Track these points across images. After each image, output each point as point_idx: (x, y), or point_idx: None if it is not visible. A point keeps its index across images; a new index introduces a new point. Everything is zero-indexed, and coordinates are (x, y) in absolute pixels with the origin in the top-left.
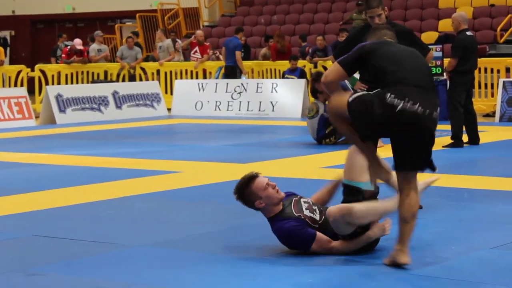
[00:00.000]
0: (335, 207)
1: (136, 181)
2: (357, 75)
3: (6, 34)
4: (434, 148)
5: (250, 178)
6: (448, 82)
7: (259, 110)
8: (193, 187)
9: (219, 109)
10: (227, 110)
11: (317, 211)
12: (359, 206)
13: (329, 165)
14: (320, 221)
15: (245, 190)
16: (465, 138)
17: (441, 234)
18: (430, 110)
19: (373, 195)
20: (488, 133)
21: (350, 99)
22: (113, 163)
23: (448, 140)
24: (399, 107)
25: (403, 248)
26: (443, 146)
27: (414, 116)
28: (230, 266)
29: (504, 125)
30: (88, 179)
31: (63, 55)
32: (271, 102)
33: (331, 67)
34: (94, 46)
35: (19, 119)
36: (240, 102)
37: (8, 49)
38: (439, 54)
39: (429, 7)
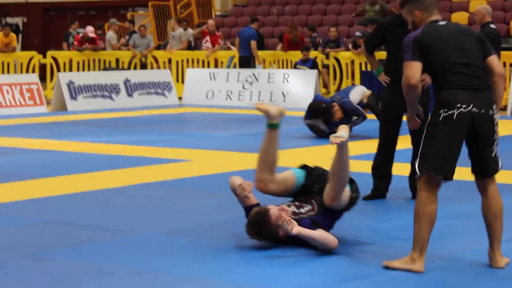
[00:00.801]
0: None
1: (147, 169)
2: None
3: (19, 20)
4: None
5: (265, 214)
6: None
7: (270, 100)
8: (203, 176)
9: (230, 99)
10: (238, 99)
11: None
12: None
13: None
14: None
15: (267, 224)
16: None
17: (454, 227)
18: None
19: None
20: (500, 127)
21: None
22: (123, 150)
23: None
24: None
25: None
26: None
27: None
28: (238, 255)
29: None
30: (98, 166)
31: (75, 43)
32: (283, 92)
33: (405, 70)
34: (112, 35)
35: (30, 105)
36: (252, 92)
37: (20, 35)
38: None
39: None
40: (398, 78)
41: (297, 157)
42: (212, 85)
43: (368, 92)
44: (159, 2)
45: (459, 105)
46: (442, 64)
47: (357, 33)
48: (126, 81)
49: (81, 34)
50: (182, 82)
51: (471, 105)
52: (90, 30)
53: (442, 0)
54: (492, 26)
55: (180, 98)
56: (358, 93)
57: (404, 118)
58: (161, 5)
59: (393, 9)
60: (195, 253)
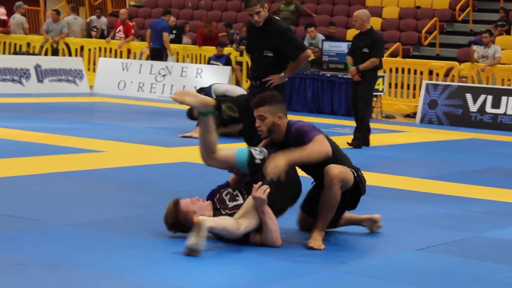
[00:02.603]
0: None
1: (59, 157)
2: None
3: None
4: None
5: (176, 203)
6: (357, 81)
7: None
8: (116, 168)
9: (142, 91)
10: (150, 92)
11: (239, 195)
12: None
13: None
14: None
15: (178, 215)
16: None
17: (367, 233)
18: None
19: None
20: (409, 134)
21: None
22: (32, 137)
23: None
24: None
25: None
26: (348, 144)
27: None
28: (146, 250)
29: (424, 126)
30: (6, 152)
31: None
32: (195, 87)
33: (318, 144)
34: (22, 18)
35: None
36: (164, 85)
37: None
38: None
39: (356, 4)
40: (251, 77)
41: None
42: (124, 75)
43: (239, 91)
44: None
45: None
46: None
47: None
48: (37, 67)
49: None
50: (94, 71)
51: None
52: (1, 12)
53: (355, 5)
54: (374, 30)
55: (91, 87)
56: (225, 86)
57: None
58: None
59: (308, 10)
60: (109, 247)
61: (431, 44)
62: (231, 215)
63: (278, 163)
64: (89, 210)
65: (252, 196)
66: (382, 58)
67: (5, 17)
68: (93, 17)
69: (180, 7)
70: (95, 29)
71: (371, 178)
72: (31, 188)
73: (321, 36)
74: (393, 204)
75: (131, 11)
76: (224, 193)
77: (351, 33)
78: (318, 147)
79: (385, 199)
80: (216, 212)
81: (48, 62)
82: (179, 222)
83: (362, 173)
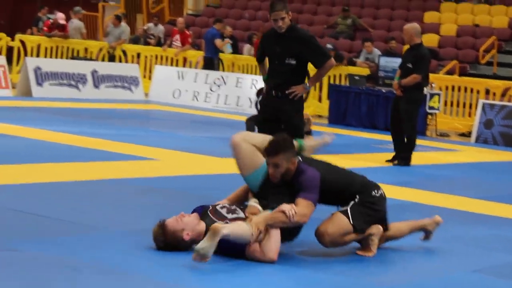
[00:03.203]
0: None
1: (111, 164)
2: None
3: None
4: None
5: (161, 225)
6: (399, 97)
7: (237, 105)
8: (170, 176)
9: (197, 100)
10: (205, 101)
11: (237, 209)
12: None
13: None
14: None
15: (167, 235)
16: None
17: (419, 252)
18: None
19: None
20: (463, 153)
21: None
22: (87, 143)
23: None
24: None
25: None
26: (387, 161)
27: None
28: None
29: (479, 146)
30: (61, 156)
31: (45, 28)
32: (250, 98)
33: (305, 208)
34: (80, 23)
35: None
36: (219, 95)
37: None
38: None
39: (414, 20)
40: (270, 86)
41: None
42: (179, 84)
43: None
44: None
45: None
46: None
47: (328, 45)
48: (94, 72)
49: (51, 20)
50: (149, 78)
51: None
52: (61, 17)
53: (413, 21)
54: (424, 46)
55: (146, 94)
56: None
57: None
58: None
59: (365, 25)
60: (159, 255)
61: (489, 63)
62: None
63: (257, 221)
64: (141, 217)
65: (280, 207)
66: (429, 75)
67: (64, 22)
68: (150, 25)
69: (237, 18)
70: (152, 37)
71: (422, 197)
72: (84, 194)
73: (377, 51)
74: (446, 224)
75: (188, 20)
76: (219, 207)
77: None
78: (299, 212)
79: None
80: (209, 223)
81: (105, 68)
82: (169, 244)
83: (378, 191)
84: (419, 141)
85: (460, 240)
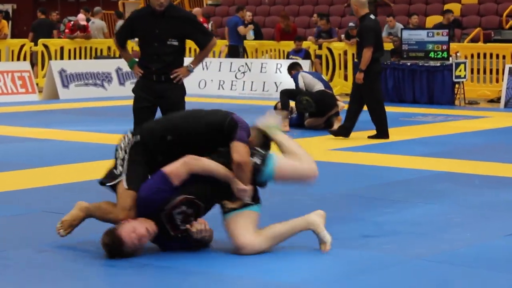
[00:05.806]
0: None
1: None
2: None
3: (9, 7)
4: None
5: (115, 238)
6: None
7: (263, 91)
8: None
9: (223, 88)
10: (231, 89)
11: (193, 215)
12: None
13: (337, 147)
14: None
15: (122, 245)
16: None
17: (454, 221)
18: None
19: None
20: (493, 119)
21: None
22: (116, 140)
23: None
24: None
25: None
26: (369, 137)
27: None
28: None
29: (509, 111)
30: (93, 156)
31: (67, 30)
32: (275, 82)
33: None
34: (103, 23)
35: (22, 93)
36: (244, 81)
37: (10, 22)
38: (446, 38)
39: None
40: (150, 71)
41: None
42: (204, 74)
43: (318, 86)
44: None
45: None
46: None
47: (351, 24)
48: (118, 70)
49: (72, 22)
50: None
51: None
52: (81, 18)
53: None
54: (372, 17)
55: None
56: (309, 78)
57: None
58: None
59: (386, 0)
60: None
61: None
62: (183, 238)
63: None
64: None
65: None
66: (383, 44)
67: (84, 23)
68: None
69: (257, 4)
70: None
71: (456, 165)
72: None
73: (400, 25)
74: (480, 190)
75: (208, 10)
76: (176, 211)
77: (431, 20)
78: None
79: (471, 187)
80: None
81: None
82: (128, 252)
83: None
84: (448, 111)
85: (495, 206)
